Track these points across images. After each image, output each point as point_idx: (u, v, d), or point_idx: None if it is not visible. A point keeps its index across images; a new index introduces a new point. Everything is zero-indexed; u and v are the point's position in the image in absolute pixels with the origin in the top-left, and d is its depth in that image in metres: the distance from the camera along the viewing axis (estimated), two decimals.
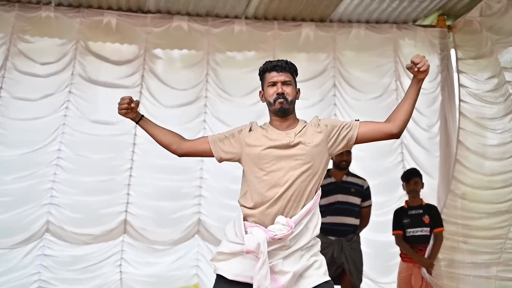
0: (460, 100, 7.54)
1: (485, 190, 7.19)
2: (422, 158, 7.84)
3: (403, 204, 6.75)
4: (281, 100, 3.65)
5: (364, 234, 6.84)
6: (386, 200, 7.64)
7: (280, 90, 3.65)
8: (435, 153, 7.85)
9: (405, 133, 7.84)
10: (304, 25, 7.90)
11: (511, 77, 6.80)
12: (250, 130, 3.74)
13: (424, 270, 6.44)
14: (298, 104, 7.78)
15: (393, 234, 6.65)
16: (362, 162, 7.58)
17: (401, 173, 7.04)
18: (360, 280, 6.40)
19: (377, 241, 7.45)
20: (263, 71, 3.77)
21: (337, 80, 7.93)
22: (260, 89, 3.82)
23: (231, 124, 6.42)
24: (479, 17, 7.28)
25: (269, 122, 3.77)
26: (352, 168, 6.78)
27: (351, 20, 7.99)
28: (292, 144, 3.60)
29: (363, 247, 6.55)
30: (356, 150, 7.12)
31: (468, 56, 7.69)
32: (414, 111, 7.72)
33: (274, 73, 3.69)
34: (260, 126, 3.78)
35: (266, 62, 3.77)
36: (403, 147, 7.89)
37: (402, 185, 6.74)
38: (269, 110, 3.73)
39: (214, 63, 7.84)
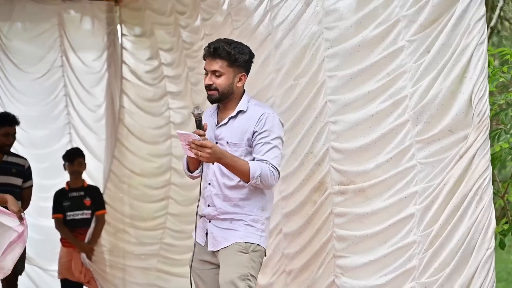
0: (122, 77, 7.40)
1: (144, 175, 7.23)
2: (90, 141, 7.57)
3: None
4: None
5: (32, 220, 6.48)
6: (56, 183, 7.27)
7: None
8: (102, 135, 7.62)
9: (73, 113, 7.55)
10: None
11: (166, 59, 6.80)
12: None
13: (83, 255, 6.31)
14: None
15: (52, 218, 6.46)
16: (28, 144, 7.24)
17: None
18: (23, 268, 6.13)
19: (46, 227, 7.05)
20: None
21: None
22: None
23: None
24: None
25: None
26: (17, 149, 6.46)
27: None
28: None
29: (32, 233, 6.21)
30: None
31: (133, 33, 7.55)
32: (82, 90, 7.54)
33: None
34: None
35: None
36: (71, 127, 7.58)
37: (64, 165, 6.52)
38: None
39: None
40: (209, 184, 3.61)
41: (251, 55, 3.64)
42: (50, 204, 6.57)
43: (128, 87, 7.37)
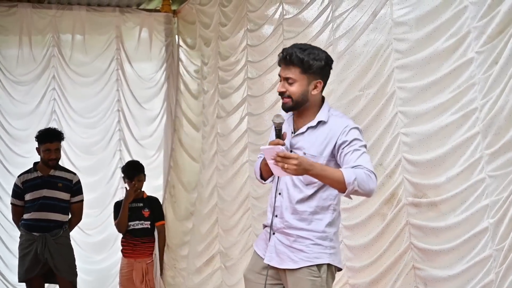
0: (178, 89, 7.45)
1: (188, 189, 7.22)
2: (139, 158, 7.51)
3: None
4: None
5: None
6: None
7: None
8: (151, 152, 7.70)
9: (125, 129, 7.60)
10: (20, 6, 7.26)
11: (206, 72, 6.82)
12: None
13: (157, 270, 6.41)
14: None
15: (115, 225, 6.50)
16: (80, 161, 7.37)
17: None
18: (74, 275, 6.14)
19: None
20: None
21: (56, 72, 7.42)
22: None
23: None
24: (198, 6, 7.13)
25: None
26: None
27: (71, 2, 7.48)
28: None
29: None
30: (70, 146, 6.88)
31: (186, 44, 7.60)
32: (136, 105, 7.57)
33: None
34: None
35: None
36: (122, 144, 7.64)
37: (123, 178, 6.54)
38: None
39: None
40: (279, 194, 3.43)
41: (328, 61, 3.37)
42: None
43: (181, 99, 7.41)
